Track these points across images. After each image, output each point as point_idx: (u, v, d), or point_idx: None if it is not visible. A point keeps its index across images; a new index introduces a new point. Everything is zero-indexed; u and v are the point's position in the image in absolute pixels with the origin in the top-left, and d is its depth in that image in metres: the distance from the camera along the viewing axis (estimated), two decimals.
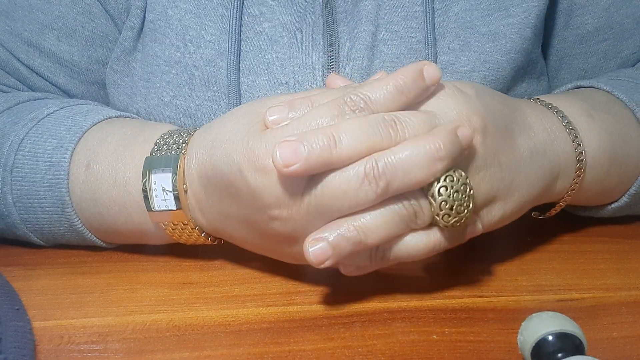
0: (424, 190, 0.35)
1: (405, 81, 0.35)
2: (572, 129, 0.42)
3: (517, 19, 0.48)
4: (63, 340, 0.36)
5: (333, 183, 0.34)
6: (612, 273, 0.42)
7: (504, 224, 0.39)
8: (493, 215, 0.38)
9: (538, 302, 0.39)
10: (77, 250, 0.46)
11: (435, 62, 0.47)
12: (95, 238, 0.44)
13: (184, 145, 0.40)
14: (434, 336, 0.36)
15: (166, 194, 0.39)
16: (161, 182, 0.39)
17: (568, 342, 0.31)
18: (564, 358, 0.31)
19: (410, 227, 0.35)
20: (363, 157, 0.34)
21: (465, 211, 0.35)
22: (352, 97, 0.35)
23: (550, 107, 0.43)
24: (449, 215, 0.35)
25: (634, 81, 0.48)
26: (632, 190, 0.45)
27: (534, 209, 0.44)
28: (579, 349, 0.31)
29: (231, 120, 0.38)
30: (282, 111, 0.36)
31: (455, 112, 0.36)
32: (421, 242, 0.36)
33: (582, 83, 0.49)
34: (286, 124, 0.35)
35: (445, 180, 0.34)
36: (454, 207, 0.34)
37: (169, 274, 0.43)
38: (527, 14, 0.48)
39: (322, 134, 0.33)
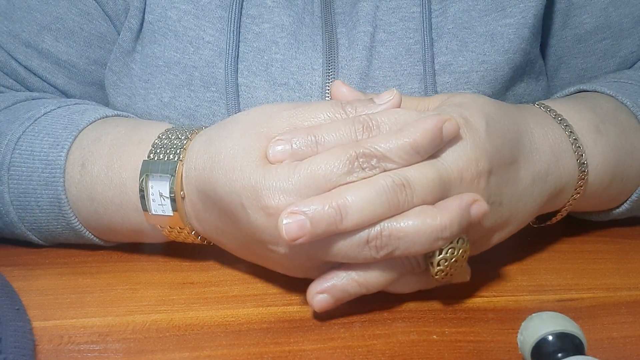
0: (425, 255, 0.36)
1: (423, 141, 0.34)
2: (578, 146, 0.42)
3: (514, 19, 0.48)
4: (63, 340, 0.36)
5: (336, 244, 0.34)
6: (612, 273, 0.42)
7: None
8: (487, 244, 0.40)
9: (538, 302, 0.39)
10: (77, 250, 0.46)
11: (433, 62, 0.47)
12: (92, 236, 0.44)
13: (181, 150, 0.39)
14: (434, 336, 0.36)
15: (163, 199, 0.39)
16: (158, 188, 0.39)
17: (568, 342, 0.31)
18: (564, 358, 0.31)
19: (402, 274, 0.36)
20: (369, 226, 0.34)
21: (460, 271, 0.36)
22: (364, 151, 0.34)
23: (560, 120, 0.42)
24: (444, 274, 0.36)
25: (637, 84, 0.48)
26: (634, 197, 0.45)
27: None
28: (579, 349, 0.31)
29: (231, 138, 0.37)
30: (285, 151, 0.35)
31: (464, 158, 0.36)
32: (408, 284, 0.37)
33: (584, 87, 0.48)
34: (293, 169, 0.34)
35: (447, 252, 0.35)
36: (450, 272, 0.36)
37: (169, 274, 0.43)
38: (525, 14, 0.48)
39: (329, 206, 0.33)
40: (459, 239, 0.35)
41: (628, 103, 0.46)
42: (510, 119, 0.39)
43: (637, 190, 0.45)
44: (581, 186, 0.42)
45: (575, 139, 0.42)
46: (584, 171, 0.42)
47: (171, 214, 0.39)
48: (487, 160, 0.36)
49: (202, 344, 0.36)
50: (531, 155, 0.40)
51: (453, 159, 0.35)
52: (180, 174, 0.39)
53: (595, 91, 0.48)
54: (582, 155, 0.42)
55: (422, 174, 0.34)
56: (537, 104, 0.44)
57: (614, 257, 0.44)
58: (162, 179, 0.39)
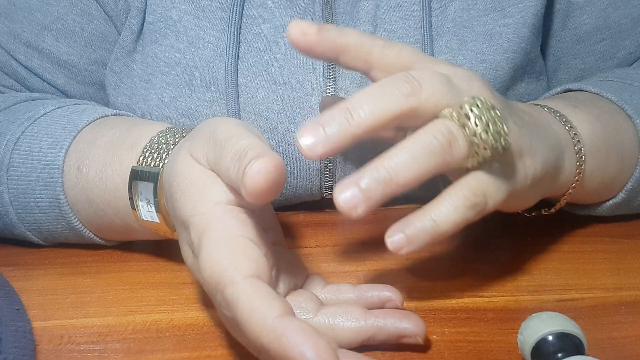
0: (455, 119, 0.33)
1: None
2: (559, 115, 0.42)
3: (513, 19, 0.48)
4: (63, 340, 0.36)
5: None
6: (612, 273, 0.42)
7: (535, 192, 0.38)
8: (528, 168, 0.37)
9: (538, 302, 0.39)
10: (77, 250, 0.46)
11: None
12: (93, 236, 0.44)
13: (171, 151, 0.38)
14: (434, 336, 0.36)
15: (149, 205, 0.39)
16: (145, 194, 0.39)
17: (568, 342, 0.31)
18: (564, 358, 0.31)
19: (446, 160, 0.33)
20: None
21: (502, 131, 0.33)
22: None
23: (536, 104, 0.43)
24: (487, 133, 0.33)
25: (622, 81, 0.48)
26: (629, 186, 0.45)
27: (538, 205, 0.43)
28: (579, 349, 0.31)
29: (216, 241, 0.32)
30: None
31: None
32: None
33: (570, 86, 0.48)
34: None
35: (472, 105, 0.33)
36: (490, 127, 0.33)
37: (169, 274, 0.43)
38: (524, 13, 0.48)
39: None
40: (475, 97, 0.33)
41: (612, 97, 0.45)
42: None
43: (632, 176, 0.44)
44: (580, 150, 0.41)
45: (554, 111, 0.42)
46: (575, 134, 0.41)
47: (157, 220, 0.38)
48: (489, 90, 0.36)
49: (202, 344, 0.36)
50: (521, 109, 0.39)
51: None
52: (162, 181, 0.38)
53: (580, 89, 0.48)
54: (566, 121, 0.41)
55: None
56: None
57: (614, 257, 0.44)
58: (147, 186, 0.38)
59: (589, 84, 0.47)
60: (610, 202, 0.46)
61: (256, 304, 0.29)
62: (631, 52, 0.53)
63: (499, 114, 0.33)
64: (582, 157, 0.41)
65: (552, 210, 0.45)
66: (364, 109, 0.32)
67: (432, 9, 0.48)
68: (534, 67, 0.51)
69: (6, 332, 0.35)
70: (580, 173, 0.42)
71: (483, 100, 0.33)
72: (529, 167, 0.37)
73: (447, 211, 0.34)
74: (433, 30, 0.48)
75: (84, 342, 0.36)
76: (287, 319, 0.28)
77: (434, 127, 0.33)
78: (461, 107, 0.33)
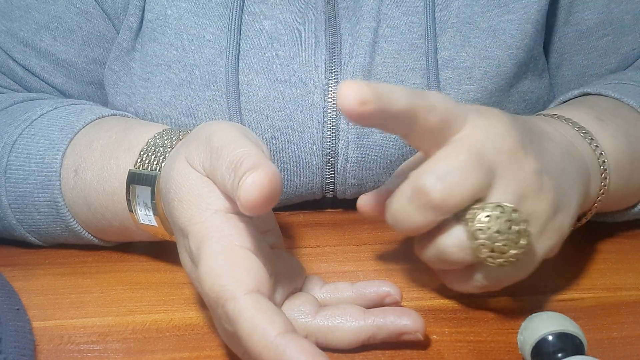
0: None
1: None
2: (585, 132, 0.41)
3: (516, 15, 0.48)
4: (63, 340, 0.36)
5: None
6: (612, 273, 0.42)
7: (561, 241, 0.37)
8: (564, 224, 0.36)
9: (538, 302, 0.39)
10: (77, 250, 0.46)
11: (436, 57, 0.47)
12: (92, 237, 0.44)
13: (169, 153, 0.38)
14: (434, 336, 0.36)
15: (147, 209, 0.38)
16: (143, 198, 0.38)
17: (568, 342, 0.32)
18: (564, 358, 0.31)
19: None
20: None
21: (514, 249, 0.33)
22: None
23: (557, 117, 0.42)
24: (489, 250, 0.33)
25: (638, 85, 0.48)
26: None
27: None
28: (579, 349, 0.31)
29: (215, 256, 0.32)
30: None
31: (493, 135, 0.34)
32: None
33: (589, 89, 0.48)
34: None
35: (481, 221, 0.33)
36: (497, 247, 0.33)
37: (169, 274, 0.43)
38: (527, 9, 0.48)
39: None
40: (494, 205, 0.33)
41: (634, 104, 0.45)
42: (513, 118, 0.38)
43: None
44: (605, 170, 0.40)
45: (579, 127, 0.41)
46: (601, 153, 0.41)
47: (155, 224, 0.38)
48: (514, 136, 0.35)
49: (202, 344, 0.36)
50: (547, 136, 0.38)
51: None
52: (159, 185, 0.38)
53: (600, 94, 0.47)
54: (592, 139, 0.41)
55: None
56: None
57: (614, 257, 0.44)
58: (145, 190, 0.38)
59: (608, 89, 0.47)
60: (635, 209, 0.45)
61: (257, 320, 0.29)
62: (634, 48, 0.53)
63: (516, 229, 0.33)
64: (606, 178, 0.41)
65: (577, 225, 0.44)
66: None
67: (435, 5, 0.48)
68: (537, 64, 0.51)
69: (6, 332, 0.35)
70: (603, 193, 0.41)
71: (494, 220, 0.32)
72: (565, 223, 0.36)
73: None
74: (437, 25, 0.48)
75: (84, 342, 0.36)
76: (288, 337, 0.28)
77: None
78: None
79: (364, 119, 0.31)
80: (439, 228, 0.34)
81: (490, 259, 0.33)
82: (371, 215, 0.40)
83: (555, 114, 0.43)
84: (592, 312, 0.38)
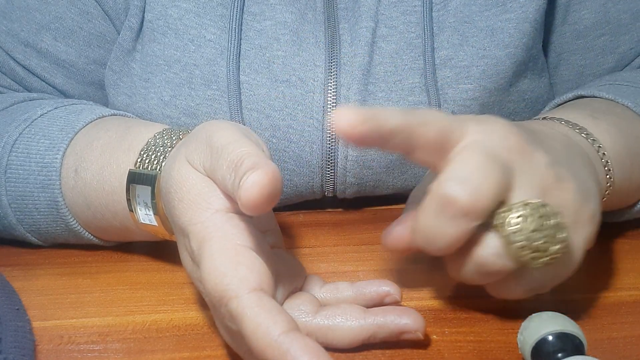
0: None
1: None
2: (580, 128, 0.41)
3: (514, 14, 0.48)
4: (63, 340, 0.36)
5: None
6: (612, 273, 0.42)
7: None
8: (592, 215, 0.35)
9: (538, 302, 0.39)
10: (77, 250, 0.46)
11: (433, 56, 0.47)
12: (92, 237, 0.44)
13: (169, 152, 0.38)
14: (434, 336, 0.36)
15: (147, 209, 0.38)
16: (143, 197, 0.38)
17: (568, 342, 0.32)
18: (564, 358, 0.31)
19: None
20: None
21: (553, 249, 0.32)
22: None
23: (550, 119, 0.42)
24: (524, 249, 0.32)
25: (634, 85, 0.48)
26: None
27: None
28: (579, 349, 0.31)
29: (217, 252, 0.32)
30: None
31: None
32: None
33: (582, 92, 0.48)
34: None
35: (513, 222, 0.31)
36: (533, 247, 0.31)
37: (169, 274, 0.43)
38: (525, 8, 0.48)
39: None
40: (521, 204, 0.31)
41: (629, 104, 0.45)
42: (511, 122, 0.38)
43: None
44: (607, 162, 0.40)
45: (573, 124, 0.41)
46: (600, 146, 0.40)
47: (155, 223, 0.38)
48: (517, 135, 0.34)
49: (202, 344, 0.36)
50: (543, 132, 0.38)
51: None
52: (159, 185, 0.38)
53: (593, 96, 0.47)
54: (588, 134, 0.40)
55: None
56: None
57: (614, 257, 0.44)
58: (145, 189, 0.38)
59: (602, 90, 0.47)
60: (635, 208, 0.45)
61: (261, 318, 0.29)
62: (631, 47, 0.53)
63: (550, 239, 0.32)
64: (610, 170, 0.40)
65: None
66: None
67: (433, 4, 0.48)
68: (536, 63, 0.51)
69: (6, 332, 0.35)
70: (610, 186, 0.40)
71: (529, 219, 0.31)
72: (596, 210, 0.35)
73: None
74: (434, 25, 0.48)
75: (84, 342, 0.36)
76: (292, 335, 0.28)
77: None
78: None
79: (360, 140, 0.31)
80: (471, 242, 0.33)
81: (533, 261, 0.32)
82: (401, 246, 0.37)
83: (547, 117, 0.43)
84: (592, 312, 0.38)
